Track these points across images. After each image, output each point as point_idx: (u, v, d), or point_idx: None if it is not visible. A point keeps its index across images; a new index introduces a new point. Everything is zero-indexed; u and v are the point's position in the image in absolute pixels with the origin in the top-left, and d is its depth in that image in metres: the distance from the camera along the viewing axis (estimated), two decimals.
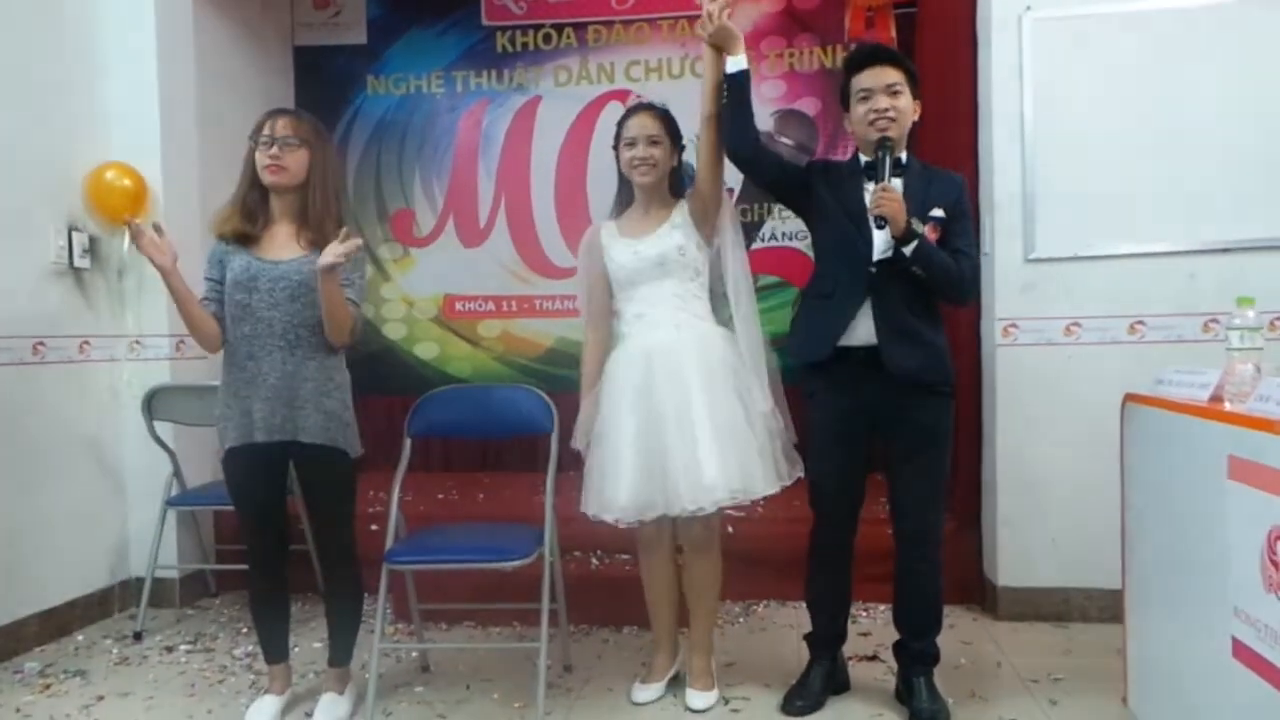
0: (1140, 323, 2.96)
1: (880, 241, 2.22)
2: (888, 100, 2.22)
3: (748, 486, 2.30)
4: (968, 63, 3.23)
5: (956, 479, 3.38)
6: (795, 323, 2.41)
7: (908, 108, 2.25)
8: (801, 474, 2.39)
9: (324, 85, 4.61)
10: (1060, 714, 2.35)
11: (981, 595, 3.21)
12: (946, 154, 3.41)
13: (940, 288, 2.23)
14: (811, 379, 2.33)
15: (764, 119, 4.33)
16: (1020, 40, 3.00)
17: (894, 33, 3.97)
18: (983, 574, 3.22)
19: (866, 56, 2.29)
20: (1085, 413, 2.89)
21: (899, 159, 2.25)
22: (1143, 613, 2.27)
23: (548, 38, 4.51)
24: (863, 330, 2.24)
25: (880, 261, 2.22)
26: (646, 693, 2.50)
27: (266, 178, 2.28)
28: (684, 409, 2.30)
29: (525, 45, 4.53)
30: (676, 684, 2.55)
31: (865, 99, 2.25)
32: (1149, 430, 2.21)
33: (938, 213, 2.22)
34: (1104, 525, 2.53)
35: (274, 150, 2.26)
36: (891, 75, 2.23)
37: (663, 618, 2.54)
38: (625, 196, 2.54)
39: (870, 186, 2.19)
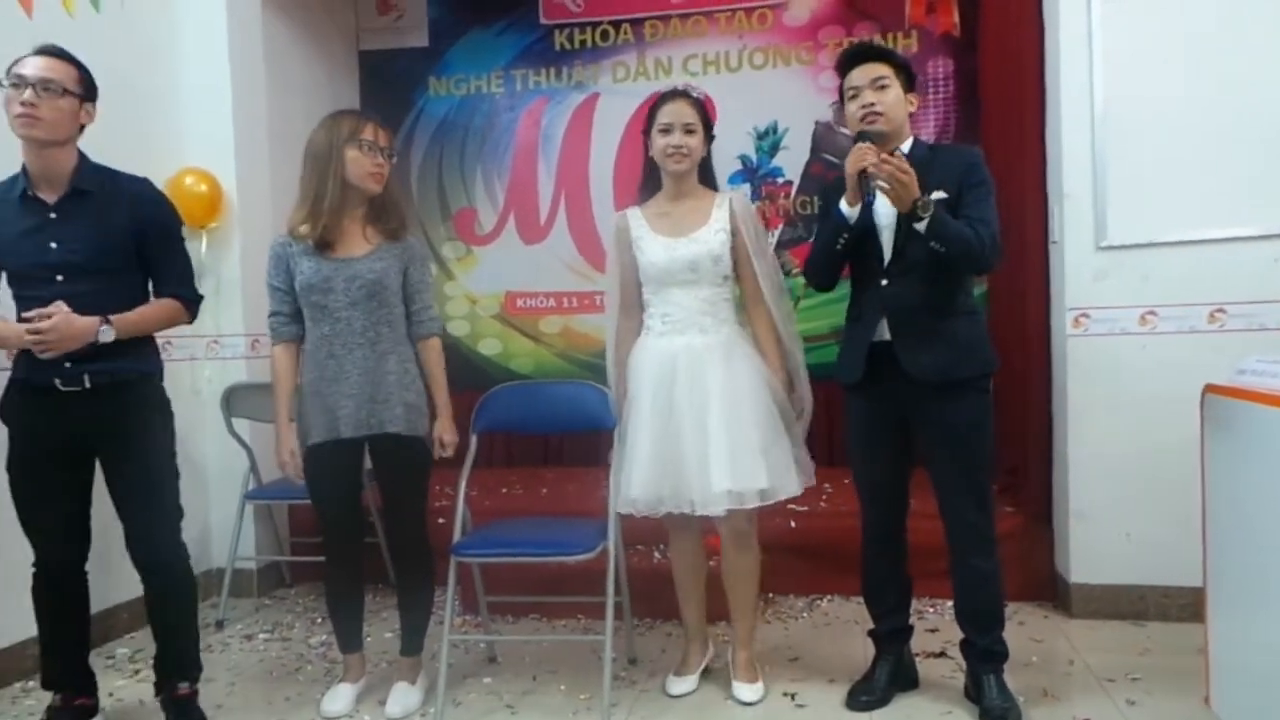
0: (1221, 310, 2.85)
1: (888, 234, 2.23)
2: (874, 95, 2.22)
3: (771, 489, 2.32)
4: (1034, 44, 3.15)
5: (1027, 474, 3.32)
6: (841, 347, 2.43)
7: (897, 100, 2.24)
8: (812, 481, 2.44)
9: (388, 88, 4.71)
10: (1138, 714, 2.28)
11: (1053, 592, 3.13)
12: (1012, 139, 3.35)
13: (959, 260, 2.18)
14: (849, 390, 2.36)
15: (822, 110, 4.29)
16: (1089, 18, 2.91)
17: (957, 17, 3.90)
18: (1055, 570, 3.14)
19: (853, 55, 2.30)
20: (1162, 404, 2.80)
21: (893, 155, 2.20)
22: (1225, 611, 2.20)
23: (605, 34, 4.53)
24: (882, 330, 2.26)
25: (891, 269, 2.23)
26: (682, 684, 2.51)
27: (370, 185, 2.36)
28: (702, 415, 2.33)
29: (583, 43, 4.56)
30: (709, 675, 2.58)
31: (854, 96, 2.26)
32: (1230, 422, 2.13)
33: (939, 195, 2.19)
34: (1183, 521, 2.46)
35: (379, 159, 2.35)
36: (876, 70, 2.24)
37: (691, 605, 2.56)
38: (653, 183, 2.51)
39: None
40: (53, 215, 2.18)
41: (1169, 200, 2.87)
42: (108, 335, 2.16)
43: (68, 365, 2.16)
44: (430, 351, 2.49)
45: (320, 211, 2.34)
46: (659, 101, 2.45)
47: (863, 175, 2.14)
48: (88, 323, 2.13)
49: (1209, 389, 2.24)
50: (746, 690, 2.44)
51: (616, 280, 2.55)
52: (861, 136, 2.19)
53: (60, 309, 2.10)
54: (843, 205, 2.22)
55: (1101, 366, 2.94)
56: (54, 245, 2.17)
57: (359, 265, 2.34)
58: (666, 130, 2.38)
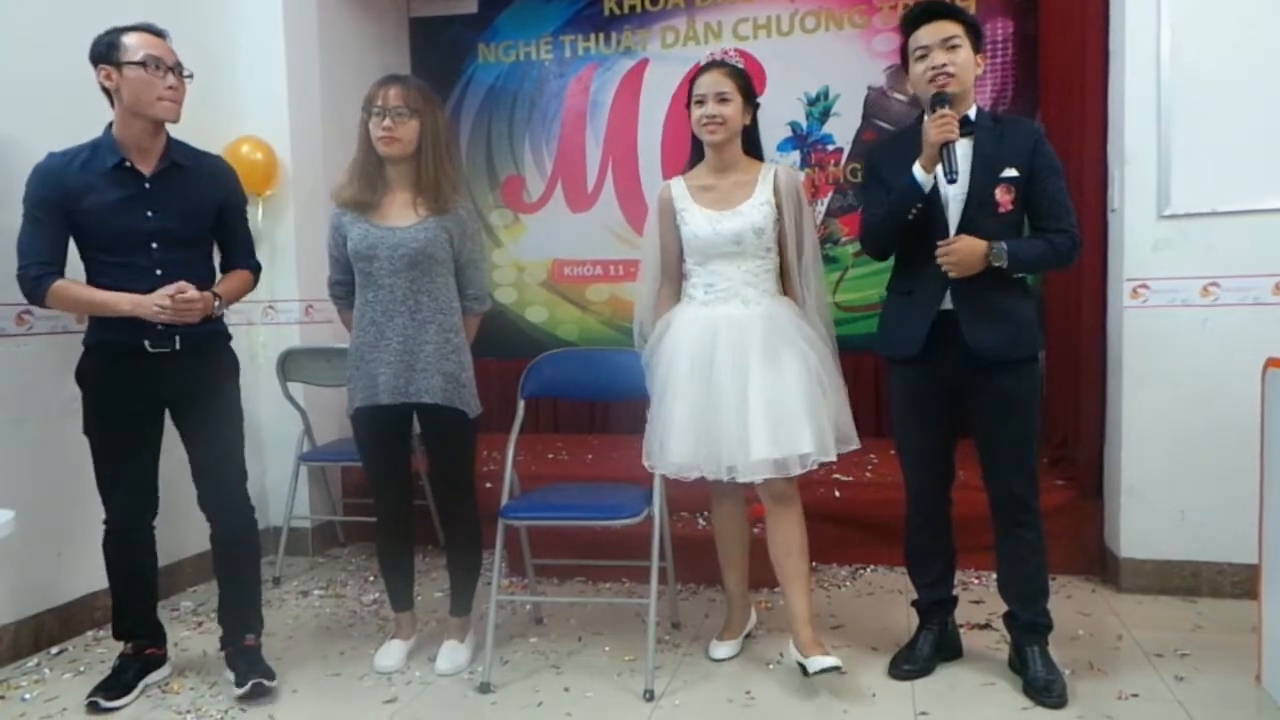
0: None
1: (954, 206, 2.18)
2: (945, 55, 2.15)
3: (812, 454, 2.28)
4: (1098, 6, 3.04)
5: (1078, 447, 3.27)
6: (882, 318, 2.39)
7: (968, 61, 2.17)
8: (857, 445, 2.39)
9: (438, 56, 4.73)
10: (1186, 690, 2.26)
11: (1102, 566, 3.09)
12: (1072, 103, 3.25)
13: (1043, 271, 2.16)
14: (897, 363, 2.33)
15: (875, 75, 4.21)
16: None
17: None
18: (1104, 545, 3.10)
19: (922, 12, 2.21)
20: (1221, 378, 2.73)
21: (961, 128, 2.14)
22: None
23: None
24: (945, 302, 2.21)
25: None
26: (725, 649, 2.54)
27: (381, 149, 2.37)
28: (741, 385, 2.31)
29: (633, 7, 4.52)
30: (751, 640, 2.62)
31: (923, 56, 2.18)
32: None
33: (1010, 173, 2.14)
34: (1239, 497, 2.41)
35: (386, 122, 2.33)
36: (948, 29, 2.16)
37: (733, 571, 2.57)
38: (698, 155, 2.51)
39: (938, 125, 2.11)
40: (147, 186, 2.27)
41: (1236, 167, 2.77)
42: (222, 308, 2.33)
43: (160, 328, 2.26)
44: (468, 325, 2.54)
45: (358, 175, 2.41)
46: (697, 74, 2.44)
47: (945, 146, 2.09)
48: (208, 296, 2.27)
49: (1271, 363, 2.18)
50: (821, 661, 2.26)
51: (655, 247, 2.54)
52: (938, 100, 2.12)
53: (188, 286, 2.20)
54: (917, 172, 2.14)
55: (1159, 339, 2.87)
56: (150, 214, 2.27)
57: (403, 234, 2.37)
58: (700, 101, 2.38)
